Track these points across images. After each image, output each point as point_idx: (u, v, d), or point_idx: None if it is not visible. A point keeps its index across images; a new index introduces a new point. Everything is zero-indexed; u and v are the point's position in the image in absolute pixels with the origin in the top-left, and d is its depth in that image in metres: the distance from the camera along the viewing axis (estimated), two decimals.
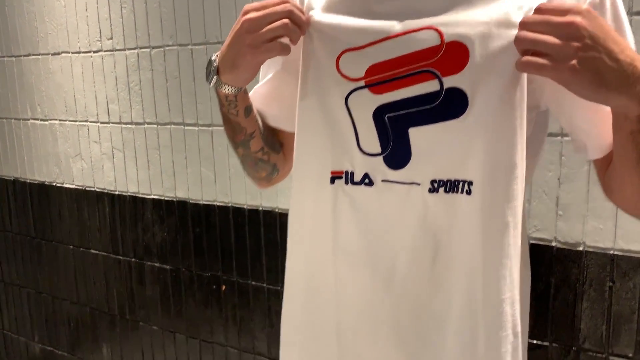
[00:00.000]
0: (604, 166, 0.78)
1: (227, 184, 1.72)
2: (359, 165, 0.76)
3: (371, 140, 0.75)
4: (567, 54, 0.58)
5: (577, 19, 0.58)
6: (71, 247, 2.16)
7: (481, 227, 0.70)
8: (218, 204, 1.75)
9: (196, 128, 1.73)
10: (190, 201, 1.81)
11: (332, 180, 0.79)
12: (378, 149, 0.75)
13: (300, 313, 0.85)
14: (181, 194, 1.82)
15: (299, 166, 0.82)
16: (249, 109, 0.85)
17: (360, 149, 0.76)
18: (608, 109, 0.67)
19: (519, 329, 0.73)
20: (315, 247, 0.83)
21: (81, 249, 2.13)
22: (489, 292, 0.71)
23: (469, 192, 0.70)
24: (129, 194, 1.95)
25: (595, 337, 1.24)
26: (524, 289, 0.79)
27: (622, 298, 1.21)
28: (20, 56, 2.13)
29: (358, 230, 0.78)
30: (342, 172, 0.78)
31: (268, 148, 0.91)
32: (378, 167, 0.75)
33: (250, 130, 0.87)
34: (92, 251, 2.10)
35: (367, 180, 0.76)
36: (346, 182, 0.78)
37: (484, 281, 0.71)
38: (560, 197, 1.23)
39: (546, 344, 1.28)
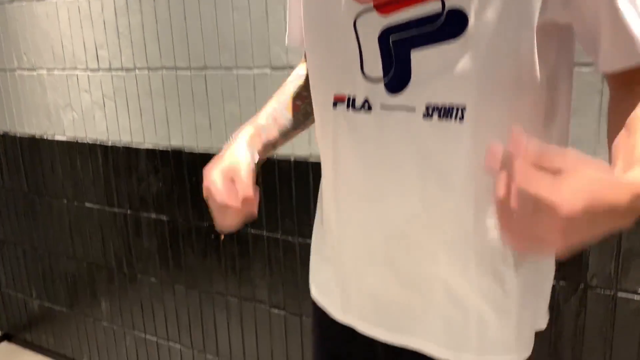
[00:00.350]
0: (616, 89, 0.70)
1: (222, 130, 1.66)
2: (361, 90, 0.75)
3: (374, 64, 0.74)
4: (550, 241, 0.51)
5: (555, 220, 0.48)
6: (65, 201, 2.12)
7: (473, 155, 0.69)
8: (214, 151, 1.67)
9: (189, 72, 1.67)
10: (185, 150, 1.75)
11: (335, 104, 0.78)
12: (380, 73, 0.73)
13: (317, 232, 0.94)
14: (176, 142, 1.77)
15: (312, 91, 0.85)
16: (270, 147, 0.93)
17: (364, 73, 0.75)
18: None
19: (511, 260, 0.73)
20: (324, 172, 0.86)
21: (75, 202, 2.09)
22: (480, 221, 0.72)
23: (461, 118, 0.68)
24: (122, 144, 1.89)
25: (604, 274, 1.21)
26: None
27: (632, 233, 1.17)
28: (4, 3, 2.03)
29: (356, 158, 0.78)
30: (344, 97, 0.77)
31: (308, 119, 0.96)
32: (378, 93, 0.74)
33: (282, 142, 0.95)
34: (87, 204, 2.05)
35: (366, 106, 0.75)
36: (347, 107, 0.77)
37: (475, 212, 0.71)
38: (570, 131, 1.18)
39: (553, 282, 1.25)
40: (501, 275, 0.74)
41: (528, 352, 0.80)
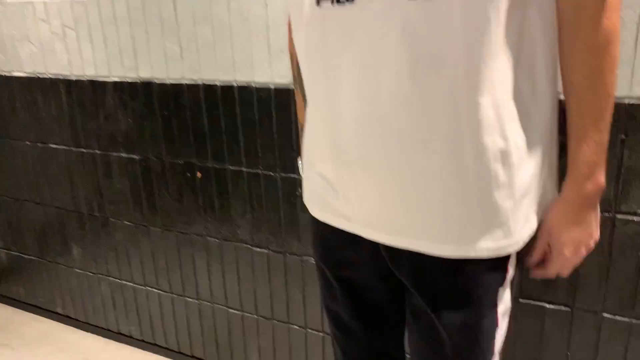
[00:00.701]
0: None
1: (195, 58, 1.54)
2: None
3: None
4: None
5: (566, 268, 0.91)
6: (28, 143, 1.98)
7: (461, 29, 0.68)
8: (186, 82, 1.58)
9: None
10: (156, 81, 1.63)
11: (318, 2, 0.77)
12: None
13: (307, 148, 0.92)
14: (144, 73, 1.64)
15: None
16: None
17: None
18: None
19: (508, 133, 0.73)
20: (311, 70, 0.84)
21: (39, 144, 1.95)
22: (471, 97, 0.71)
23: None
24: (86, 78, 1.75)
25: (603, 197, 1.15)
26: (529, 95, 0.76)
27: (635, 152, 1.12)
28: None
29: (345, 51, 0.76)
30: None
31: None
32: None
33: None
34: (52, 145, 1.92)
35: None
36: (332, 3, 0.76)
37: (466, 87, 0.70)
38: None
39: None
40: (501, 156, 0.74)
41: (529, 233, 0.83)
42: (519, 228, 0.79)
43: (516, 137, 0.75)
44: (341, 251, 0.94)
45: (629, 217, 1.15)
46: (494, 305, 0.85)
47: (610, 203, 1.16)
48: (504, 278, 0.84)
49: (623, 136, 1.11)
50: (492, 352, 0.90)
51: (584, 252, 0.86)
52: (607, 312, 1.23)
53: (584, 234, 0.84)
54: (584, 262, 1.20)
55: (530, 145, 0.77)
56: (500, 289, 0.84)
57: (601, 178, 0.80)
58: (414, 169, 0.76)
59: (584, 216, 0.83)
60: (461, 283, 0.82)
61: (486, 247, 0.78)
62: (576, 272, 1.23)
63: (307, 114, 0.90)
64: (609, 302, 1.22)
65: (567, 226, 0.83)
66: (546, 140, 0.81)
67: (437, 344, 0.88)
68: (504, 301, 0.87)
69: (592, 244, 0.87)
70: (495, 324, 0.87)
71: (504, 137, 0.73)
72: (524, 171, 0.77)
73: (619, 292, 1.21)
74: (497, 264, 0.81)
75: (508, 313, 0.91)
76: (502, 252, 0.80)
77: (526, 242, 0.84)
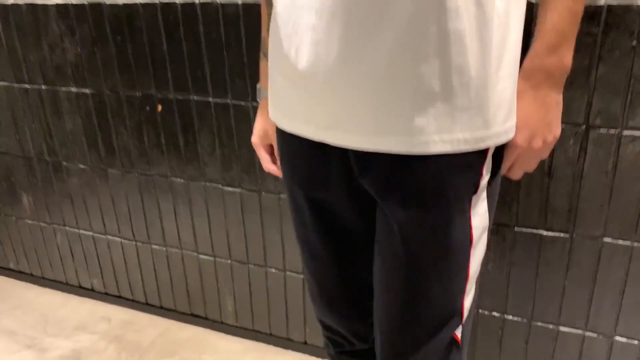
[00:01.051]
0: None
1: None
2: None
3: None
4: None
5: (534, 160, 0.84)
6: None
7: None
8: (141, 0, 1.39)
9: None
10: (106, 1, 1.43)
11: None
12: None
13: (272, 22, 0.83)
14: None
15: None
16: None
17: None
18: None
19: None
20: None
21: None
22: None
23: None
24: (24, 1, 1.54)
25: (609, 111, 1.07)
26: None
27: None
28: None
29: None
30: None
31: None
32: None
33: None
34: None
35: None
36: None
37: None
38: None
39: None
40: (476, 24, 0.67)
41: (509, 130, 0.77)
42: (498, 120, 0.73)
43: (493, 2, 0.68)
44: (310, 167, 0.86)
45: (637, 134, 1.07)
46: (465, 213, 0.77)
47: (616, 118, 1.07)
48: (477, 182, 0.76)
49: (634, 42, 1.01)
50: (465, 276, 0.81)
51: (539, 144, 0.78)
52: (609, 237, 1.16)
53: (542, 122, 0.77)
54: (585, 184, 1.13)
55: (506, 15, 0.70)
56: (474, 197, 0.77)
57: (568, 56, 0.75)
58: (387, 64, 0.68)
59: (543, 96, 0.76)
60: (429, 182, 0.74)
61: (463, 138, 0.71)
62: (577, 197, 1.15)
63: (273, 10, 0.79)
64: (611, 226, 1.15)
65: (522, 106, 0.76)
66: (520, 21, 0.75)
67: (398, 264, 0.80)
68: (479, 214, 0.79)
69: (550, 137, 0.78)
70: (468, 239, 0.78)
71: (479, 2, 0.67)
72: (504, 44, 0.71)
73: (622, 215, 1.13)
74: (470, 162, 0.74)
75: (486, 232, 0.83)
76: (481, 145, 0.73)
77: (508, 139, 0.77)
